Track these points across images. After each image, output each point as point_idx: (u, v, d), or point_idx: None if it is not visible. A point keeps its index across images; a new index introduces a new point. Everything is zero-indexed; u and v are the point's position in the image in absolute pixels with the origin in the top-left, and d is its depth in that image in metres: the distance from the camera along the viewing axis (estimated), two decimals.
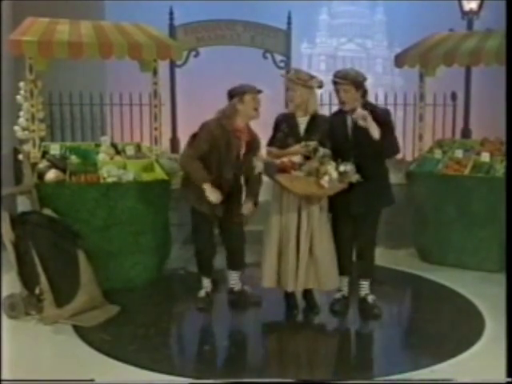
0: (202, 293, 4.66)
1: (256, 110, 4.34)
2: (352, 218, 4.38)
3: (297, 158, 4.14)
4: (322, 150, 4.10)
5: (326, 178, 4.01)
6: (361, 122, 4.05)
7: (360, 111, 4.09)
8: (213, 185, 4.27)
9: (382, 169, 4.39)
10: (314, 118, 4.34)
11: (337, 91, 4.28)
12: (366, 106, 4.30)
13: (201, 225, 4.51)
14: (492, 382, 3.38)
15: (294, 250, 4.27)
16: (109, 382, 3.44)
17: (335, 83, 4.27)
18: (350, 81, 4.20)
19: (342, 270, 4.53)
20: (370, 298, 4.49)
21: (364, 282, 4.52)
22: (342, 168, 4.04)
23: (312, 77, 4.34)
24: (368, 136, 4.11)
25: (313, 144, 4.12)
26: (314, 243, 4.28)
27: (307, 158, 4.16)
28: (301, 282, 4.32)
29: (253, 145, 4.43)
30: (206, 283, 4.68)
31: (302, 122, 4.32)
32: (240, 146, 4.37)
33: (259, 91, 4.37)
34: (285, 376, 3.58)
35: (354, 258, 4.54)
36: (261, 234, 4.47)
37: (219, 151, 4.31)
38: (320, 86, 4.32)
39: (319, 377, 3.64)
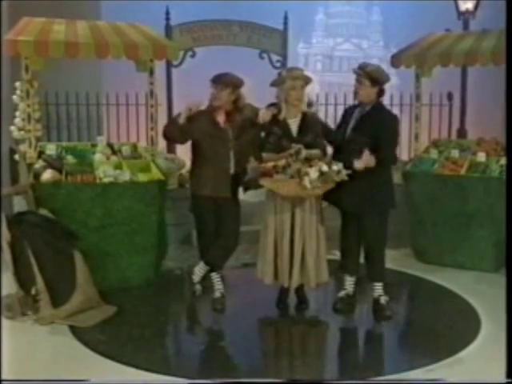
0: (217, 294, 4.63)
1: (234, 102, 4.40)
2: (358, 217, 4.37)
3: (281, 162, 4.14)
4: (304, 152, 4.12)
5: (307, 178, 4.03)
6: (356, 165, 4.12)
7: (366, 156, 4.10)
8: (213, 170, 4.38)
9: (380, 169, 4.34)
10: (305, 118, 4.36)
11: (355, 82, 4.30)
12: (375, 108, 4.29)
13: (205, 217, 4.52)
14: (492, 382, 3.39)
15: (288, 249, 4.30)
16: (106, 383, 3.44)
17: (355, 73, 4.30)
18: (365, 73, 4.22)
19: (347, 270, 4.55)
20: (383, 299, 4.45)
21: (377, 284, 4.49)
22: (324, 168, 4.05)
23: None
24: (369, 135, 4.15)
25: (296, 147, 4.14)
26: (306, 240, 4.30)
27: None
28: (295, 280, 4.35)
29: (246, 126, 4.41)
30: (219, 284, 4.64)
31: (294, 123, 4.33)
32: (226, 129, 4.40)
33: (240, 84, 4.40)
34: (278, 374, 3.60)
35: (363, 259, 4.54)
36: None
37: (208, 137, 4.37)
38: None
39: (312, 374, 3.65)
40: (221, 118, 4.43)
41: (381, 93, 4.30)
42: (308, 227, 4.31)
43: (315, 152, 4.23)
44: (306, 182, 4.03)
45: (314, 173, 4.04)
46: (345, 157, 4.19)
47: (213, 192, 4.42)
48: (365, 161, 4.10)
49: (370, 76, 4.21)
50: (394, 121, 4.45)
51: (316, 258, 4.35)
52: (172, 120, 4.62)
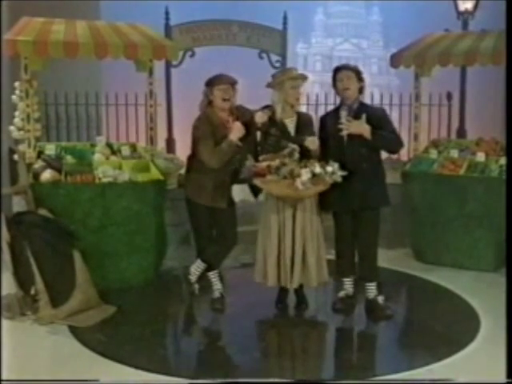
0: (216, 293, 4.63)
1: (225, 100, 4.33)
2: (352, 217, 4.38)
3: (275, 162, 4.13)
4: (296, 154, 4.14)
5: (298, 180, 4.03)
6: (343, 132, 4.20)
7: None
8: (213, 179, 4.31)
9: (377, 167, 4.39)
10: (300, 117, 4.38)
11: (340, 80, 4.31)
12: (362, 105, 4.37)
13: (201, 219, 4.50)
14: (492, 382, 3.39)
15: (290, 249, 4.29)
16: (108, 383, 3.44)
17: (337, 72, 4.34)
18: (352, 69, 4.35)
19: (344, 271, 4.55)
20: (381, 299, 4.45)
21: (370, 284, 4.48)
22: (317, 170, 4.05)
23: None
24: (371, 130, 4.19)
25: (290, 147, 4.15)
26: (307, 240, 4.30)
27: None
28: (296, 280, 4.34)
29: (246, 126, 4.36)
30: (217, 284, 4.64)
31: (291, 123, 4.33)
32: (226, 132, 4.31)
33: (231, 82, 4.35)
34: (279, 374, 3.59)
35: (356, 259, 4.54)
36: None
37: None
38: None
39: (311, 374, 3.64)
40: (225, 127, 4.34)
41: (361, 90, 4.38)
42: (309, 227, 4.30)
43: (315, 149, 4.24)
44: (298, 183, 4.03)
45: (305, 174, 4.03)
46: (348, 158, 4.21)
47: (211, 202, 4.38)
48: (356, 125, 4.18)
49: (357, 71, 4.35)
50: (384, 111, 4.70)
51: (317, 257, 4.35)
52: (223, 147, 4.24)
